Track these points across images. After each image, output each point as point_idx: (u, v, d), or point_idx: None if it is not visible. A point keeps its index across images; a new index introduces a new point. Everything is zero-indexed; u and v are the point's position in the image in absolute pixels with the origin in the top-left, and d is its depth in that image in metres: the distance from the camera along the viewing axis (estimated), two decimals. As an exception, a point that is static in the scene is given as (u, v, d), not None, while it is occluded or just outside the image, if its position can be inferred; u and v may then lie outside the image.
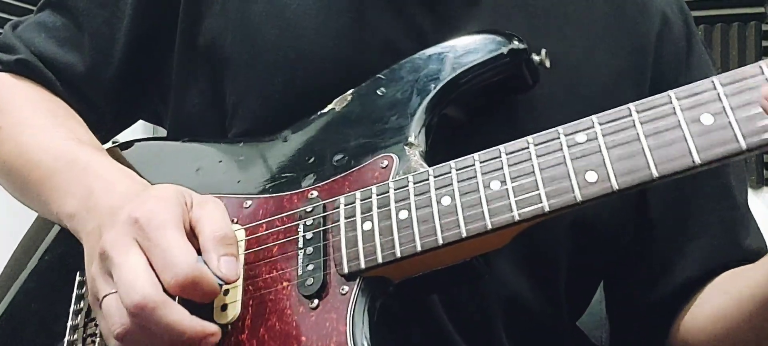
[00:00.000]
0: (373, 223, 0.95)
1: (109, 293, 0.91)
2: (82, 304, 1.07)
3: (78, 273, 1.10)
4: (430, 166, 0.97)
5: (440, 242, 0.91)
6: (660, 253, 1.18)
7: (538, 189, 0.89)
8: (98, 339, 1.04)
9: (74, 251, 1.13)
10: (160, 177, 1.10)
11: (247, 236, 1.02)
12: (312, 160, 1.05)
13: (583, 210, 0.90)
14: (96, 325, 1.05)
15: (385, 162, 1.01)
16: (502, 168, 0.91)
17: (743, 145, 0.82)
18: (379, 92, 1.07)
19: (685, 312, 1.16)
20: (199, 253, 0.92)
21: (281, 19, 1.14)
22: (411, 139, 1.02)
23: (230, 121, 1.15)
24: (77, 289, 1.09)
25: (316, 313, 0.94)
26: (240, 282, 0.98)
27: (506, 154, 0.92)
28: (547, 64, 1.07)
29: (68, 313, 1.08)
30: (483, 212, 0.90)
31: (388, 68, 1.08)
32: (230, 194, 1.06)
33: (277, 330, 0.95)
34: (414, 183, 0.95)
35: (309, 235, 0.98)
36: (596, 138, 0.88)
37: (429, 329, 1.07)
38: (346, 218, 0.97)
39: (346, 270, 0.94)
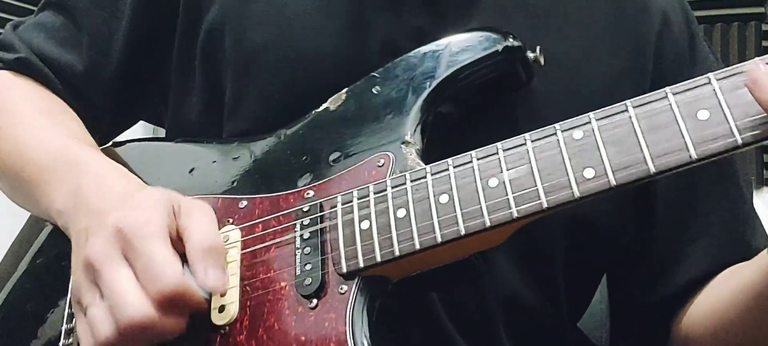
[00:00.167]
0: (370, 221, 0.95)
1: (95, 302, 0.91)
2: (77, 307, 1.07)
3: (72, 275, 1.10)
4: (425, 164, 0.97)
5: (439, 239, 0.91)
6: (663, 253, 1.18)
7: (535, 186, 0.89)
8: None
9: (67, 253, 1.12)
10: (154, 177, 1.10)
11: (243, 236, 1.02)
12: (308, 159, 1.05)
13: (581, 207, 0.90)
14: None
15: (382, 160, 1.01)
16: (499, 165, 0.91)
17: (739, 139, 0.83)
18: (374, 91, 1.07)
19: (686, 310, 1.16)
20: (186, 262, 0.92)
21: (280, 18, 1.14)
22: (407, 137, 1.02)
23: (229, 120, 1.15)
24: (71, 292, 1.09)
25: (315, 313, 0.94)
26: (237, 283, 0.98)
27: (503, 151, 0.92)
28: (542, 61, 1.07)
29: (63, 316, 1.08)
30: (481, 209, 0.90)
31: (382, 67, 1.08)
32: (225, 194, 1.06)
33: (276, 330, 0.94)
34: (412, 181, 0.95)
35: (306, 234, 0.98)
36: (593, 134, 0.89)
37: (428, 328, 1.06)
38: (343, 217, 0.97)
39: (344, 269, 0.94)
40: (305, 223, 0.99)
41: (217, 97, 1.17)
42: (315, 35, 1.13)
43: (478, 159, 0.93)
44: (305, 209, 0.99)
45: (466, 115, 1.08)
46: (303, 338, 0.93)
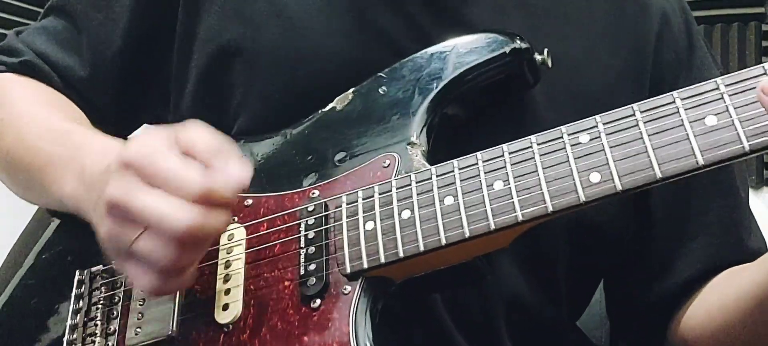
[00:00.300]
0: (375, 222, 0.95)
1: (139, 238, 0.90)
2: (81, 303, 1.07)
3: (77, 272, 1.10)
4: (431, 165, 0.97)
5: (443, 242, 0.91)
6: (660, 252, 1.18)
7: (541, 189, 0.89)
8: (98, 338, 1.04)
9: (73, 249, 1.13)
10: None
11: (247, 234, 1.02)
12: (313, 158, 1.05)
13: (585, 211, 0.90)
14: (95, 324, 1.05)
15: (387, 161, 1.00)
16: (505, 167, 0.91)
17: (747, 146, 0.83)
18: (380, 91, 1.07)
19: (684, 311, 1.16)
20: None
21: (282, 18, 1.14)
22: (413, 138, 1.02)
23: (232, 120, 1.15)
24: (76, 288, 1.09)
25: (319, 313, 0.94)
26: (241, 282, 0.98)
27: (509, 153, 0.92)
28: (549, 63, 1.07)
29: (67, 312, 1.08)
30: (486, 211, 0.90)
31: (389, 67, 1.08)
32: (230, 193, 1.06)
33: (279, 330, 0.94)
34: (417, 182, 0.95)
35: (311, 234, 0.98)
36: (599, 138, 0.89)
37: (431, 329, 1.07)
38: (348, 218, 0.97)
39: (348, 270, 0.94)
40: (310, 223, 0.99)
41: (218, 97, 1.17)
42: (317, 34, 1.13)
43: (483, 161, 0.93)
44: (310, 209, 0.99)
45: (473, 117, 1.08)
46: (306, 338, 0.93)
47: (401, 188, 0.96)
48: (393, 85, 1.06)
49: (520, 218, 0.89)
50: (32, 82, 1.22)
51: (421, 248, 0.92)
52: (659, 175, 0.85)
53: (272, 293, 0.97)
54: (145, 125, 1.35)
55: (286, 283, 0.97)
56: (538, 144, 0.91)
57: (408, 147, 1.01)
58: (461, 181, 0.93)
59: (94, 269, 1.09)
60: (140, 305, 1.03)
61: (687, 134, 0.85)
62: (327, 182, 1.02)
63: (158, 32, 1.22)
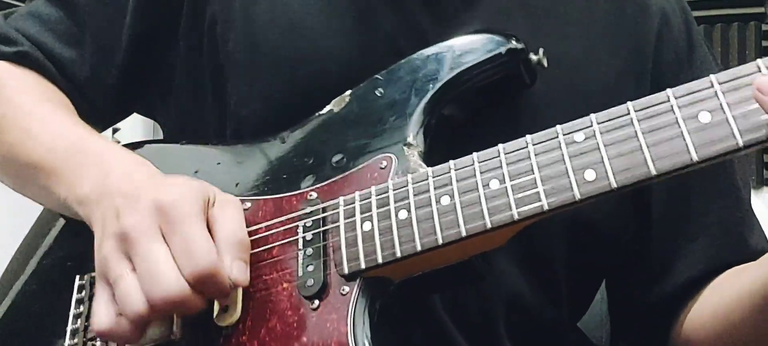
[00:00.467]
0: (372, 223, 0.95)
1: (126, 274, 0.91)
2: (82, 308, 1.07)
3: (78, 276, 1.10)
4: (428, 166, 0.97)
5: (440, 241, 0.91)
6: (661, 253, 1.18)
7: (537, 187, 0.89)
8: (98, 343, 1.04)
9: (74, 254, 1.13)
10: (159, 179, 1.10)
11: None
12: (311, 161, 1.06)
13: (582, 209, 0.90)
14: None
15: (384, 163, 1.01)
16: (501, 167, 0.92)
17: (740, 142, 0.83)
18: (377, 93, 1.07)
19: (687, 311, 1.16)
20: None
21: (284, 19, 1.14)
22: (409, 139, 1.02)
23: (231, 121, 1.16)
24: (77, 292, 1.09)
25: (317, 314, 0.94)
26: None
27: (505, 153, 0.92)
28: (545, 63, 1.07)
29: (68, 316, 1.08)
30: (482, 210, 0.90)
31: (386, 69, 1.08)
32: (229, 196, 1.06)
33: (278, 331, 0.95)
34: (413, 183, 0.95)
35: (309, 236, 0.98)
36: (594, 136, 0.89)
37: (430, 330, 1.07)
38: (345, 219, 0.97)
39: (346, 271, 0.95)
40: (308, 225, 0.99)
41: (219, 97, 1.17)
42: (318, 36, 1.13)
43: (479, 161, 0.93)
44: (308, 211, 1.00)
45: (470, 118, 1.09)
46: (305, 339, 0.93)
47: (398, 189, 0.96)
48: (390, 87, 1.07)
49: (516, 217, 0.89)
50: (30, 74, 1.21)
51: (419, 248, 0.92)
52: (654, 171, 0.85)
53: (271, 295, 0.97)
54: (142, 120, 1.36)
55: (285, 285, 0.97)
56: (534, 143, 0.92)
57: (405, 148, 1.01)
58: (457, 181, 0.93)
59: (94, 273, 1.09)
60: (141, 308, 1.03)
61: (681, 131, 0.85)
62: (324, 184, 1.02)
63: (159, 31, 1.22)
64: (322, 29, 1.14)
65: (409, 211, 0.94)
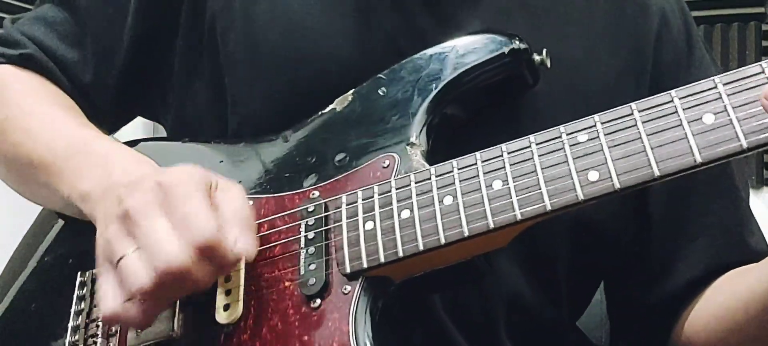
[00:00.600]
0: (375, 222, 0.95)
1: (130, 252, 0.90)
2: (83, 305, 1.07)
3: (79, 274, 1.10)
4: (431, 166, 0.97)
5: (443, 241, 0.91)
6: (661, 254, 1.18)
7: (539, 188, 0.89)
8: (99, 339, 1.04)
9: (75, 252, 1.13)
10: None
11: None
12: (313, 159, 1.06)
13: (584, 210, 0.90)
14: (97, 325, 1.05)
15: (387, 162, 1.01)
16: (504, 167, 0.92)
17: (744, 144, 0.83)
18: (380, 92, 1.07)
19: (688, 312, 1.16)
20: None
21: (284, 19, 1.14)
22: (412, 139, 1.02)
23: (232, 120, 1.16)
24: (78, 289, 1.09)
25: (319, 313, 0.94)
26: (241, 282, 0.98)
27: (508, 153, 0.92)
28: (548, 64, 1.07)
29: (69, 313, 1.08)
30: (485, 211, 0.90)
31: (388, 68, 1.08)
32: (231, 194, 1.06)
33: (280, 330, 0.95)
34: (416, 182, 0.95)
35: (311, 234, 0.98)
36: (598, 137, 0.89)
37: (431, 330, 1.07)
38: (347, 218, 0.97)
39: (348, 270, 0.94)
40: (310, 223, 0.99)
41: (221, 97, 1.17)
42: (319, 36, 1.13)
43: (482, 161, 0.93)
44: (310, 210, 1.00)
45: (472, 117, 1.09)
46: (306, 338, 0.93)
47: (401, 188, 0.96)
48: (392, 86, 1.07)
49: (519, 217, 0.89)
50: (35, 77, 1.21)
51: (421, 248, 0.92)
52: (657, 173, 0.85)
53: (272, 294, 0.97)
54: (142, 121, 1.36)
55: (287, 283, 0.97)
56: (537, 144, 0.92)
57: (407, 147, 1.01)
58: (460, 181, 0.93)
59: (95, 270, 1.09)
60: (142, 306, 1.03)
61: (685, 133, 0.85)
62: (327, 182, 1.02)
63: (160, 31, 1.22)
64: (322, 29, 1.14)
65: (411, 210, 0.94)
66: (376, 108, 1.06)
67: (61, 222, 1.19)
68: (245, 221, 0.94)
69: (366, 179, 1.00)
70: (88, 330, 1.06)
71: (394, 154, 1.01)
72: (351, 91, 1.09)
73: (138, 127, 1.38)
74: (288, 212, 1.01)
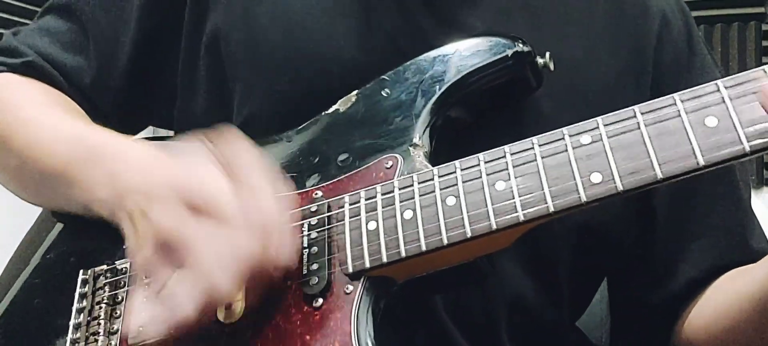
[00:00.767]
0: (377, 222, 0.95)
1: (174, 279, 0.90)
2: (84, 302, 1.07)
3: (81, 271, 1.10)
4: (433, 167, 0.97)
5: (445, 241, 0.91)
6: (663, 254, 1.19)
7: (542, 189, 0.89)
8: (101, 337, 1.04)
9: (77, 249, 1.13)
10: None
11: None
12: (316, 160, 1.06)
13: (586, 212, 0.90)
14: (98, 323, 1.05)
15: (390, 162, 1.01)
16: (507, 168, 0.92)
17: (747, 147, 0.83)
18: (383, 93, 1.07)
19: (688, 312, 1.16)
20: None
21: (286, 19, 1.14)
22: (415, 140, 1.02)
23: (235, 121, 1.15)
24: (80, 287, 1.09)
25: (321, 312, 0.94)
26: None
27: (511, 154, 0.93)
28: (551, 66, 1.07)
29: (71, 311, 1.08)
30: (488, 212, 0.91)
31: (392, 69, 1.08)
32: (233, 194, 1.06)
33: (282, 329, 0.95)
34: (419, 183, 0.95)
35: (313, 234, 0.98)
36: (601, 139, 0.89)
37: (432, 330, 1.07)
38: (350, 218, 0.97)
39: (350, 269, 0.95)
40: (313, 223, 0.99)
41: (223, 98, 1.17)
42: (321, 36, 1.13)
43: (485, 162, 0.93)
44: (313, 209, 1.00)
45: (475, 119, 1.09)
46: (308, 337, 0.93)
47: (403, 188, 0.96)
48: (396, 88, 1.07)
49: (522, 218, 0.89)
50: (37, 83, 1.21)
51: (423, 248, 0.92)
52: (660, 175, 0.85)
53: (275, 293, 0.97)
54: (151, 127, 1.36)
55: (289, 282, 0.97)
56: (540, 145, 0.92)
57: (410, 149, 1.02)
58: (463, 182, 0.93)
59: (97, 268, 1.09)
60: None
61: (688, 135, 0.85)
62: (330, 182, 1.02)
63: (163, 33, 1.22)
64: (323, 29, 1.14)
65: (414, 211, 0.94)
66: (379, 109, 1.06)
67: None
68: (279, 225, 0.93)
69: (369, 180, 1.00)
70: (89, 328, 1.06)
71: (397, 156, 1.01)
72: (354, 92, 1.09)
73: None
74: (291, 212, 1.01)
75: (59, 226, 1.18)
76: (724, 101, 0.85)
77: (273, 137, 1.10)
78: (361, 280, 0.95)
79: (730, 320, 1.08)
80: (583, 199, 0.88)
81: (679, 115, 0.86)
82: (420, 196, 0.94)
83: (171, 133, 1.29)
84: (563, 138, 0.91)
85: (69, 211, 1.13)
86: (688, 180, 0.87)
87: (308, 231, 0.99)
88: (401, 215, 0.94)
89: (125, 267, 1.08)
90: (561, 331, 1.19)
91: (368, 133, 1.05)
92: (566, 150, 0.90)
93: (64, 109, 1.18)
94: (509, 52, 1.05)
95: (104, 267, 1.09)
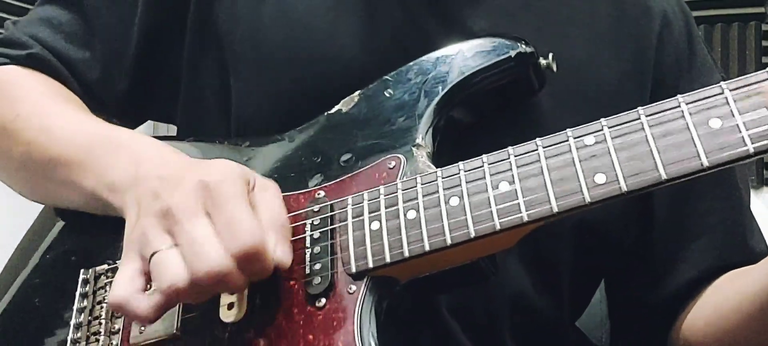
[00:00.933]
0: (381, 222, 0.95)
1: (165, 248, 0.90)
2: (85, 302, 1.07)
3: (82, 271, 1.10)
4: (436, 167, 0.97)
5: (449, 242, 0.91)
6: (663, 254, 1.19)
7: (546, 190, 0.89)
8: (102, 337, 1.04)
9: (78, 248, 1.13)
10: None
11: None
12: (319, 160, 1.06)
13: (589, 212, 0.90)
14: (99, 323, 1.05)
15: (393, 163, 1.01)
16: (510, 169, 0.92)
17: (751, 149, 0.83)
18: (386, 93, 1.07)
19: (686, 312, 1.17)
20: None
21: (289, 19, 1.14)
22: (418, 140, 1.02)
23: (236, 120, 1.15)
24: (81, 287, 1.09)
25: (324, 312, 0.94)
26: None
27: (515, 155, 0.92)
28: (554, 68, 1.08)
29: (71, 310, 1.08)
30: (491, 212, 0.90)
31: (395, 70, 1.08)
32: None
33: (284, 329, 0.95)
34: (422, 183, 0.95)
35: (316, 234, 0.98)
36: (605, 140, 0.89)
37: (435, 330, 1.07)
38: (353, 218, 0.97)
39: (353, 269, 0.95)
40: (315, 223, 0.99)
41: (227, 96, 1.17)
42: (324, 36, 1.13)
43: (489, 163, 0.93)
44: (315, 209, 1.00)
45: (478, 120, 1.09)
46: (311, 337, 0.93)
47: (407, 189, 0.96)
48: (399, 88, 1.07)
49: (526, 219, 0.89)
50: (40, 76, 1.20)
51: (427, 248, 0.92)
52: (664, 176, 0.85)
53: (277, 293, 0.97)
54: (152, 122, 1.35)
55: (291, 282, 0.97)
56: (544, 146, 0.92)
57: (413, 149, 1.02)
58: (467, 182, 0.93)
59: (98, 268, 1.09)
60: (145, 303, 1.03)
61: (692, 137, 0.85)
62: (332, 182, 1.02)
63: (168, 28, 1.21)
64: (327, 29, 1.14)
65: (417, 211, 0.94)
66: (382, 109, 1.06)
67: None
68: (283, 226, 0.94)
69: (372, 180, 1.00)
70: (90, 327, 1.06)
71: (400, 156, 1.01)
72: (357, 92, 1.09)
73: (138, 128, 1.37)
74: (293, 212, 1.01)
75: (59, 225, 1.17)
76: (728, 103, 0.85)
77: (275, 137, 1.10)
78: (364, 280, 0.94)
79: (728, 320, 1.09)
80: (587, 200, 0.88)
81: (683, 117, 0.86)
82: (423, 196, 0.94)
83: (170, 127, 1.30)
84: (567, 139, 0.91)
85: (69, 206, 1.13)
86: (688, 180, 0.87)
87: (311, 231, 0.99)
88: (404, 215, 0.94)
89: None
90: (562, 331, 1.20)
91: (371, 133, 1.05)
92: (570, 151, 0.90)
93: (72, 102, 1.18)
94: (512, 53, 1.05)
95: (105, 266, 1.09)
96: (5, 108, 1.16)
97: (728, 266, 1.16)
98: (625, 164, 0.87)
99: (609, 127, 0.89)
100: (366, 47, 1.13)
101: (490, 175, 0.92)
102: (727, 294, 1.11)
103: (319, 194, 1.01)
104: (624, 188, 0.87)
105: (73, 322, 1.07)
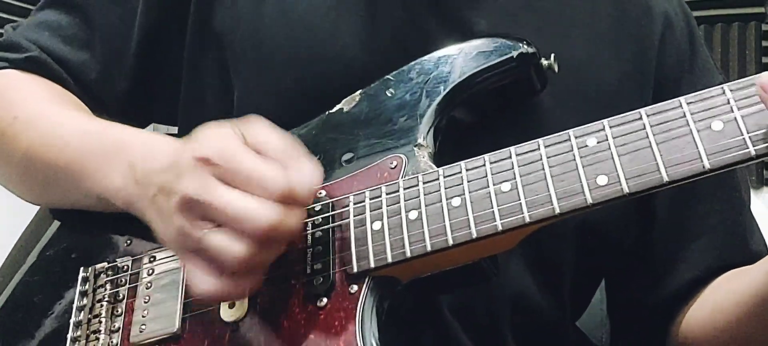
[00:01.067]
0: (382, 222, 0.95)
1: (207, 232, 0.89)
2: (85, 300, 1.07)
3: (82, 269, 1.10)
4: (438, 167, 0.97)
5: (450, 242, 0.91)
6: (663, 254, 1.19)
7: (548, 191, 0.89)
8: (102, 336, 1.04)
9: (78, 246, 1.13)
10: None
11: None
12: (320, 159, 1.05)
13: (591, 213, 0.90)
14: (99, 321, 1.05)
15: (394, 162, 1.01)
16: (512, 169, 0.92)
17: (753, 151, 0.84)
18: (388, 93, 1.07)
19: (685, 312, 1.17)
20: None
21: (291, 18, 1.14)
22: (420, 140, 1.02)
23: (239, 119, 1.15)
24: (81, 285, 1.09)
25: (325, 312, 0.94)
26: None
27: (517, 156, 0.93)
28: (556, 68, 1.07)
29: (71, 308, 1.08)
30: (493, 212, 0.90)
31: (396, 69, 1.08)
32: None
33: (285, 328, 0.95)
34: (424, 183, 0.95)
35: (317, 233, 0.98)
36: (607, 141, 0.89)
37: (437, 330, 1.07)
38: (355, 217, 0.97)
39: (355, 269, 0.95)
40: (317, 222, 0.99)
41: (228, 95, 1.17)
42: (326, 35, 1.13)
43: (491, 163, 0.93)
44: (317, 209, 1.00)
45: (480, 120, 1.09)
46: (312, 336, 0.93)
47: (409, 188, 0.96)
48: (400, 88, 1.07)
49: (528, 219, 0.89)
50: (40, 79, 1.20)
51: (429, 248, 0.92)
52: (666, 178, 0.85)
53: (278, 292, 0.97)
54: (154, 123, 1.35)
55: (293, 281, 0.97)
56: (546, 147, 0.92)
57: (415, 149, 1.01)
58: (469, 182, 0.93)
59: (98, 266, 1.09)
60: (145, 302, 1.04)
61: (694, 139, 0.85)
62: (334, 182, 1.02)
63: (170, 25, 1.21)
64: (328, 28, 1.14)
65: (419, 211, 0.94)
66: (383, 109, 1.06)
67: (61, 220, 1.19)
68: (291, 150, 0.92)
69: (373, 179, 1.00)
70: (90, 326, 1.06)
71: (402, 155, 1.01)
72: (359, 92, 1.09)
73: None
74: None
75: (57, 223, 1.17)
76: (730, 105, 0.85)
77: (276, 137, 1.10)
78: (366, 280, 0.94)
79: (727, 320, 1.09)
80: (589, 201, 0.88)
81: (685, 119, 0.87)
82: (425, 196, 0.94)
83: (173, 129, 1.29)
84: (569, 140, 0.91)
85: (78, 206, 1.13)
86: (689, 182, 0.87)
87: (312, 230, 0.99)
88: (406, 215, 0.94)
89: (126, 265, 1.08)
90: (562, 331, 1.20)
91: (372, 132, 1.05)
92: (572, 151, 0.90)
93: (70, 104, 1.18)
94: (514, 54, 1.05)
95: (105, 265, 1.09)
96: (3, 111, 1.16)
97: (728, 266, 1.16)
98: (627, 166, 0.87)
99: (611, 128, 0.89)
100: (367, 47, 1.12)
101: (492, 175, 0.92)
102: (726, 294, 1.12)
103: (320, 193, 1.01)
104: (626, 190, 0.87)
105: (72, 320, 1.07)
